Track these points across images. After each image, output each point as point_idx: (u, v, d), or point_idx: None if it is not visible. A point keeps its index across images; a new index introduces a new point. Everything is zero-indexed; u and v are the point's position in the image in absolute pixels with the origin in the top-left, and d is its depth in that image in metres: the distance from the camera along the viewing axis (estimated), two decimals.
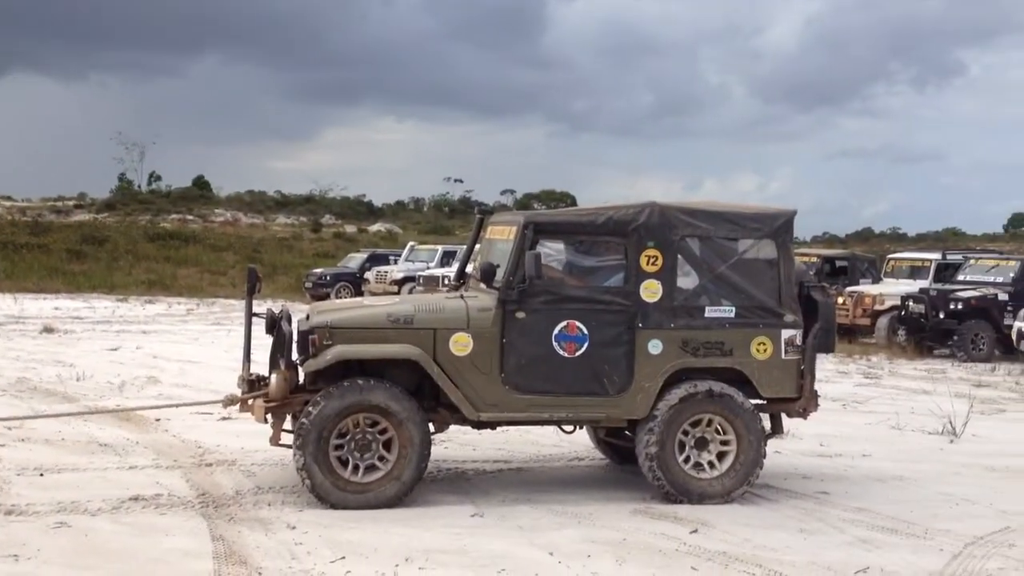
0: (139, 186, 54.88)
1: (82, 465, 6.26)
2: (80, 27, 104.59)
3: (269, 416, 5.61)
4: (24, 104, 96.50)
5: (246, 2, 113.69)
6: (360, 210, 54.92)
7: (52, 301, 22.19)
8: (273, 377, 5.64)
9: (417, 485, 5.56)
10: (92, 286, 26.96)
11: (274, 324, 5.88)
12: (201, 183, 54.31)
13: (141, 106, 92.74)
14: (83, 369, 10.54)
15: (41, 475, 5.93)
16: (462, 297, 5.92)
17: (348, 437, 5.45)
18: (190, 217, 45.09)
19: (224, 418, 7.61)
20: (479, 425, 5.85)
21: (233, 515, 5.20)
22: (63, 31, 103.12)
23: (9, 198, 48.81)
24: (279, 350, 5.78)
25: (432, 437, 5.70)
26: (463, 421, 5.74)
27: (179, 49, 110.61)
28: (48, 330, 14.97)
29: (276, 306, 6.47)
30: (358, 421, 5.45)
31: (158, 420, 7.73)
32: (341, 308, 5.99)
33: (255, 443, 6.56)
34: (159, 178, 55.92)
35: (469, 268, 6.65)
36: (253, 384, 5.84)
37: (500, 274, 5.68)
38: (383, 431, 5.48)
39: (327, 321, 5.59)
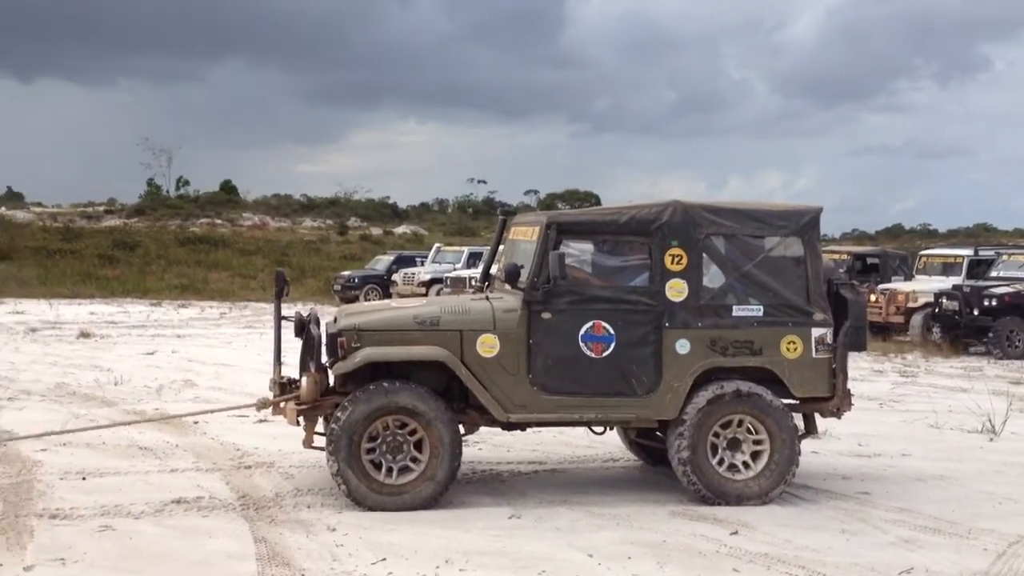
0: (168, 191, 55.53)
1: (124, 469, 6.35)
2: (106, 32, 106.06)
3: (301, 419, 5.66)
4: (53, 110, 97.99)
5: (267, 6, 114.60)
6: (385, 212, 55.21)
7: (87, 306, 22.49)
8: (303, 380, 5.68)
9: (453, 487, 5.58)
10: (125, 291, 27.29)
11: (303, 327, 5.92)
12: (228, 187, 54.75)
13: (167, 111, 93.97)
14: (120, 373, 10.68)
15: (84, 479, 6.02)
16: (487, 298, 5.93)
17: (379, 440, 5.47)
18: (219, 221, 45.57)
19: (261, 420, 7.69)
20: (508, 426, 5.84)
21: (274, 517, 5.25)
22: (90, 36, 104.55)
23: (40, 204, 49.60)
24: (309, 353, 5.81)
25: (464, 438, 5.72)
26: (492, 422, 5.75)
27: (202, 53, 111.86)
28: (85, 335, 15.19)
29: (305, 309, 6.51)
30: (387, 423, 5.47)
31: (196, 423, 7.82)
32: (369, 311, 6.03)
33: (292, 445, 6.60)
34: (187, 183, 56.47)
35: (493, 269, 6.65)
36: (284, 387, 5.87)
37: (525, 275, 5.68)
38: (412, 432, 5.49)
39: (355, 324, 5.62)
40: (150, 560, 4.54)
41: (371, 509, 5.38)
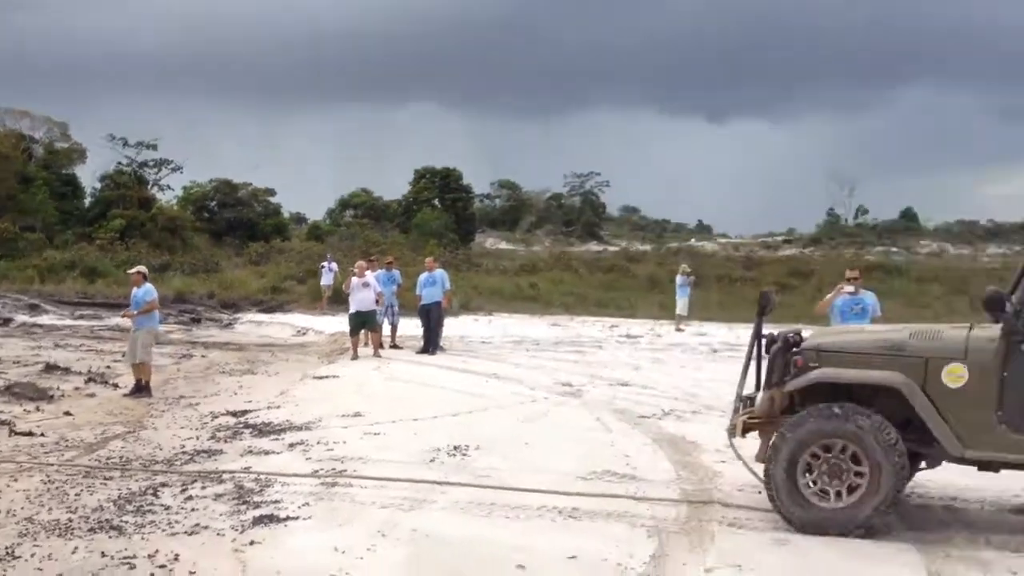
0: (846, 220, 55.64)
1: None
2: (791, 69, 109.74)
3: (745, 432, 5.80)
4: (742, 147, 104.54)
5: (962, 25, 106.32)
6: None
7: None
8: (760, 395, 5.85)
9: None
10: (794, 317, 27.50)
11: (772, 345, 5.99)
12: (909, 215, 52.91)
13: (850, 141, 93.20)
14: None
15: (760, 492, 5.88)
16: (970, 327, 5.52)
17: (819, 460, 5.39)
18: (894, 249, 44.50)
19: None
20: (962, 462, 5.35)
21: (949, 553, 5.11)
22: (775, 74, 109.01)
23: (725, 236, 54.49)
24: (773, 371, 5.87)
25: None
26: (945, 456, 5.32)
27: (888, 81, 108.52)
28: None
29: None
30: (830, 446, 5.37)
31: None
32: (840, 332, 5.95)
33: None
34: (866, 212, 55.47)
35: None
36: (748, 403, 5.99)
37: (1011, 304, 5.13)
38: (855, 458, 5.31)
39: (817, 344, 5.68)
40: None
41: (802, 530, 5.33)
